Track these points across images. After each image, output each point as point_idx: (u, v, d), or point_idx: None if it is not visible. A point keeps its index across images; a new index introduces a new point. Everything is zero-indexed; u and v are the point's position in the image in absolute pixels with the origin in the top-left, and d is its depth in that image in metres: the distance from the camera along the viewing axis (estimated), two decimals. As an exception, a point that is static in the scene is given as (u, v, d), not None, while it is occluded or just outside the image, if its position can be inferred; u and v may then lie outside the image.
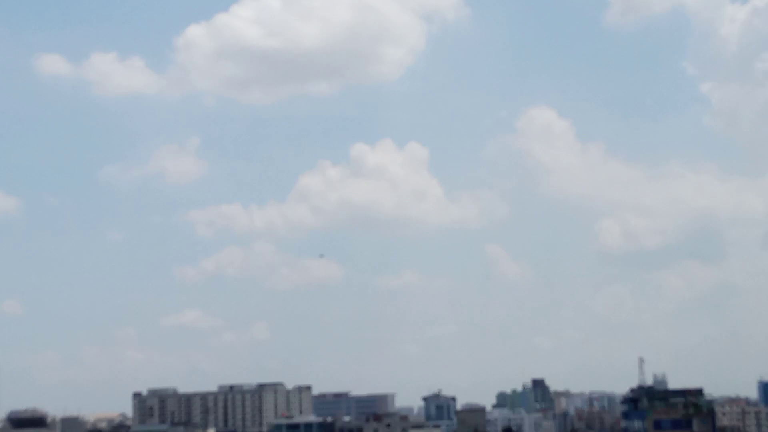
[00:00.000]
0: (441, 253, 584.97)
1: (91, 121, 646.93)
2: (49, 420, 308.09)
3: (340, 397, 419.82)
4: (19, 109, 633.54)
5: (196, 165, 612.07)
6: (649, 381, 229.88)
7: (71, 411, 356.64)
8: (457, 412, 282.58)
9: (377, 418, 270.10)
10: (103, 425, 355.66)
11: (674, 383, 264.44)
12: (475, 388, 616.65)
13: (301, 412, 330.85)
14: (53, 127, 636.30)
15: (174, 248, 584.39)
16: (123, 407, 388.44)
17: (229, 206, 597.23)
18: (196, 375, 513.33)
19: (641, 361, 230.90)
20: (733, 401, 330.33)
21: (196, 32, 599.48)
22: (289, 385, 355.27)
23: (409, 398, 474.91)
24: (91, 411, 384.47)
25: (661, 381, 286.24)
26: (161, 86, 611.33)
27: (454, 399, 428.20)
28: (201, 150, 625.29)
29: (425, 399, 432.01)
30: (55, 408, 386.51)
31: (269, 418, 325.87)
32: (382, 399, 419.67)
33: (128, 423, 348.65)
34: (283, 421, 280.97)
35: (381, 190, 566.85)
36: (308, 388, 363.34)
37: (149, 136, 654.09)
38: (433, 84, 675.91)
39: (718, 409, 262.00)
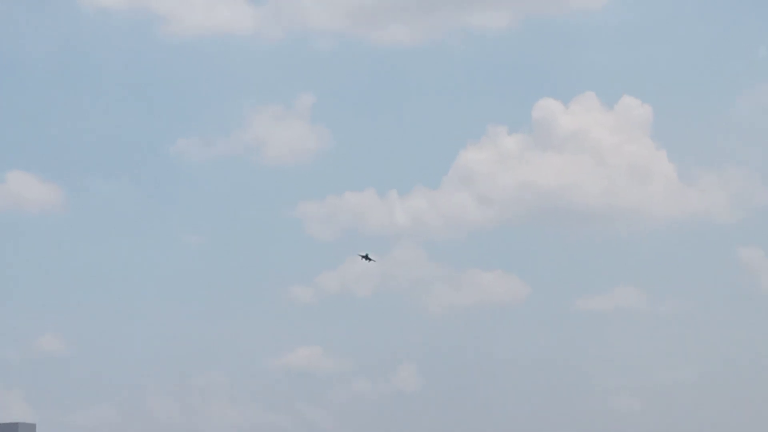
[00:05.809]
0: (673, 260, 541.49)
1: (157, 75, 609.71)
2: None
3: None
4: (56, 57, 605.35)
5: (310, 135, 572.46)
6: None
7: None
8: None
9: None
10: None
11: None
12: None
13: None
14: (104, 83, 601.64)
15: (279, 257, 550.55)
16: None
17: (357, 195, 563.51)
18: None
19: None
20: None
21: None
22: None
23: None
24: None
25: None
26: (258, 22, 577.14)
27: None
28: (316, 113, 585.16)
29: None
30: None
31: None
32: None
33: None
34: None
35: (581, 167, 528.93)
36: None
37: (241, 95, 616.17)
38: (657, 12, 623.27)
39: None
